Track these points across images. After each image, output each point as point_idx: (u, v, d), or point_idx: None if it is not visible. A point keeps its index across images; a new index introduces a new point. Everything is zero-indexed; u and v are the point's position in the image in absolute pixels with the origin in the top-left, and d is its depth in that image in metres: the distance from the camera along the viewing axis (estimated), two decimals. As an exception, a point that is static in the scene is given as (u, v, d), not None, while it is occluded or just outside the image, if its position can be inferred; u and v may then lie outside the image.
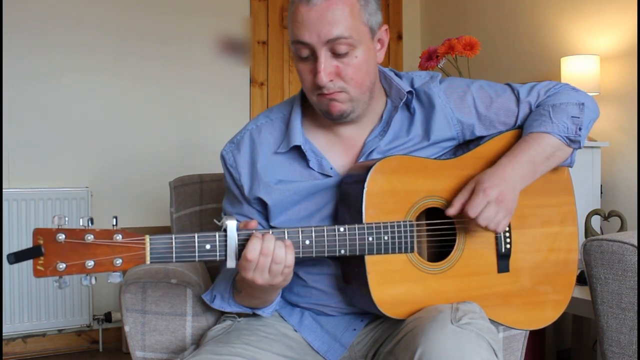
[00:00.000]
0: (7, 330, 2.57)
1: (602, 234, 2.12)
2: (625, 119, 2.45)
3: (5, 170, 2.61)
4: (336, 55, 1.08)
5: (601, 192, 2.41)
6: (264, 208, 1.21)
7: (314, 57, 1.09)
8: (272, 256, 0.98)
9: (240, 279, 1.12)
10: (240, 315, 1.21)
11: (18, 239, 2.56)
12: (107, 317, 2.76)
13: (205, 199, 1.73)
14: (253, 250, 0.97)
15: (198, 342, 1.20)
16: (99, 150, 2.80)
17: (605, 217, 2.09)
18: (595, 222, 2.16)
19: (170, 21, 2.94)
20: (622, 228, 2.04)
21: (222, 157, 1.25)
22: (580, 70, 2.41)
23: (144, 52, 2.88)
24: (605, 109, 2.47)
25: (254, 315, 1.19)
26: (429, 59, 2.29)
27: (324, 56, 1.07)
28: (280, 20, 3.26)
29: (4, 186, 2.56)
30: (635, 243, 1.31)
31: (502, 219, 1.08)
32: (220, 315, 1.28)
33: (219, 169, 1.40)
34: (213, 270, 1.59)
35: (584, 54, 2.53)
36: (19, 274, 2.57)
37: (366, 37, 1.10)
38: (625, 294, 1.33)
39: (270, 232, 1.00)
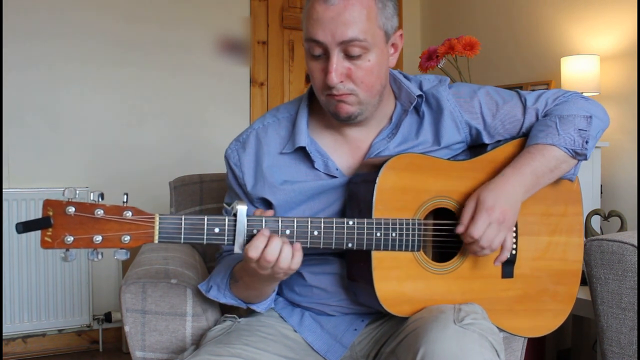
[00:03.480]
0: (7, 330, 2.57)
1: (602, 234, 2.12)
2: (625, 119, 2.46)
3: (5, 170, 2.61)
4: (349, 57, 1.07)
5: (601, 192, 2.41)
6: (267, 208, 1.21)
7: (326, 56, 1.08)
8: (276, 261, 0.98)
9: (239, 268, 1.12)
10: (240, 315, 1.21)
11: (18, 239, 2.56)
12: (107, 317, 2.76)
13: (205, 199, 1.73)
14: (256, 248, 0.97)
15: (198, 342, 1.20)
16: (99, 150, 2.80)
17: (605, 217, 2.09)
18: (595, 222, 2.16)
19: (170, 22, 2.93)
20: (622, 228, 2.04)
21: (227, 155, 1.25)
22: (580, 70, 2.41)
23: (144, 52, 2.88)
24: (605, 109, 2.47)
25: (249, 310, 1.19)
26: (429, 59, 2.29)
27: (336, 57, 1.07)
28: (280, 20, 3.26)
29: (4, 186, 2.56)
30: (635, 243, 1.31)
31: (502, 239, 1.09)
32: (220, 315, 1.28)
33: (219, 169, 1.40)
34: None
35: (584, 54, 2.53)
36: (19, 274, 2.57)
37: (380, 41, 1.10)
38: (625, 294, 1.33)
39: (280, 220, 1.00)
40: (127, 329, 1.22)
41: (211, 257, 1.67)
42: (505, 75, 2.96)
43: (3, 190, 2.53)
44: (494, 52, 3.02)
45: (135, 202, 0.95)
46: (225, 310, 1.27)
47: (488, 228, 1.06)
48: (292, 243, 1.01)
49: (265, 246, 0.98)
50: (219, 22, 3.06)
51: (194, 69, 3.00)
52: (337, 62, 1.07)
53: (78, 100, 2.76)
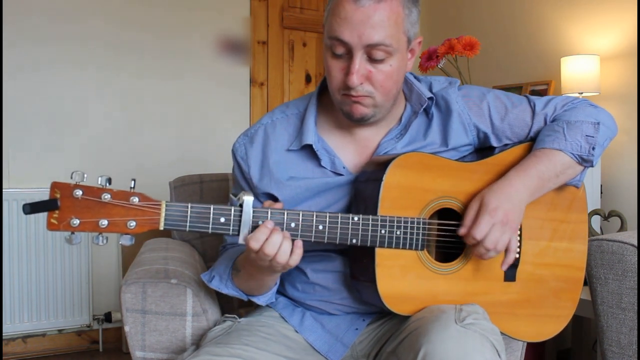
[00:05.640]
0: (7, 330, 2.57)
1: (602, 234, 2.12)
2: (625, 119, 2.45)
3: (5, 170, 2.61)
4: (371, 60, 1.08)
5: (601, 192, 2.41)
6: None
7: (348, 56, 1.08)
8: (274, 255, 0.98)
9: (242, 258, 1.12)
10: (240, 315, 1.21)
11: (18, 239, 2.56)
12: (107, 317, 2.77)
13: (206, 199, 1.73)
14: (257, 240, 0.97)
15: (198, 342, 1.20)
16: (99, 150, 2.80)
17: (605, 217, 2.09)
18: (595, 222, 2.16)
19: (170, 21, 2.93)
20: (622, 228, 2.04)
21: (234, 149, 1.25)
22: (580, 70, 2.41)
23: (144, 53, 2.88)
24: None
25: (249, 303, 1.19)
26: (429, 59, 2.29)
27: (359, 58, 1.07)
28: (280, 20, 3.26)
29: (4, 186, 2.56)
30: (635, 243, 1.32)
31: (506, 240, 1.08)
32: (221, 315, 1.28)
33: (219, 169, 1.40)
34: (213, 270, 1.59)
35: (584, 54, 2.53)
36: (18, 274, 2.57)
37: (403, 46, 1.11)
38: (625, 294, 1.33)
39: (286, 213, 1.00)
40: (127, 329, 1.22)
41: (211, 257, 1.67)
42: (505, 75, 2.96)
43: (3, 190, 2.53)
44: (494, 52, 3.01)
45: (135, 202, 0.95)
46: (225, 310, 1.27)
47: (492, 229, 1.06)
48: (294, 240, 1.01)
49: (266, 239, 0.98)
50: (219, 22, 3.06)
51: (194, 69, 3.00)
52: (360, 64, 1.07)
53: (78, 101, 2.76)
